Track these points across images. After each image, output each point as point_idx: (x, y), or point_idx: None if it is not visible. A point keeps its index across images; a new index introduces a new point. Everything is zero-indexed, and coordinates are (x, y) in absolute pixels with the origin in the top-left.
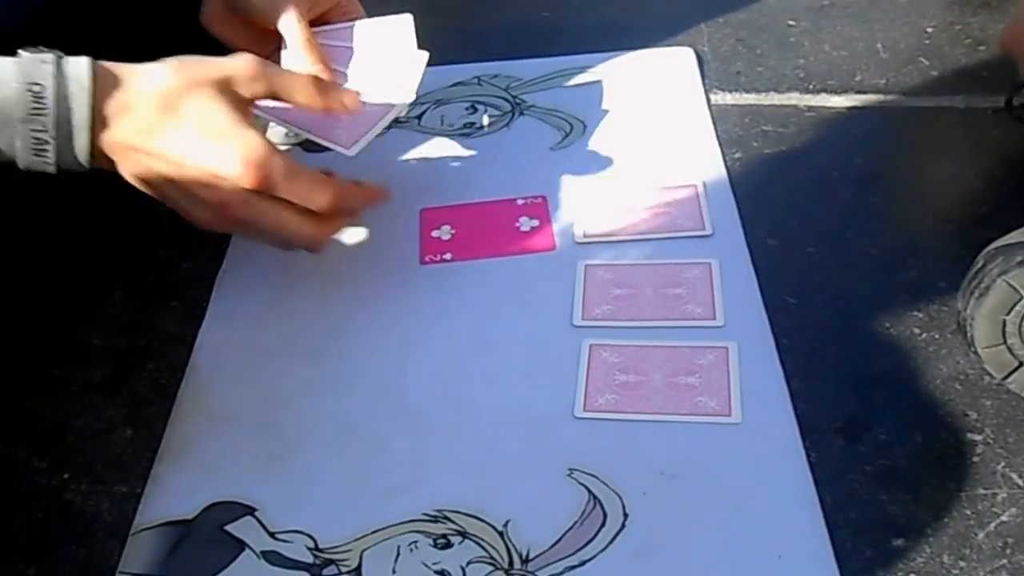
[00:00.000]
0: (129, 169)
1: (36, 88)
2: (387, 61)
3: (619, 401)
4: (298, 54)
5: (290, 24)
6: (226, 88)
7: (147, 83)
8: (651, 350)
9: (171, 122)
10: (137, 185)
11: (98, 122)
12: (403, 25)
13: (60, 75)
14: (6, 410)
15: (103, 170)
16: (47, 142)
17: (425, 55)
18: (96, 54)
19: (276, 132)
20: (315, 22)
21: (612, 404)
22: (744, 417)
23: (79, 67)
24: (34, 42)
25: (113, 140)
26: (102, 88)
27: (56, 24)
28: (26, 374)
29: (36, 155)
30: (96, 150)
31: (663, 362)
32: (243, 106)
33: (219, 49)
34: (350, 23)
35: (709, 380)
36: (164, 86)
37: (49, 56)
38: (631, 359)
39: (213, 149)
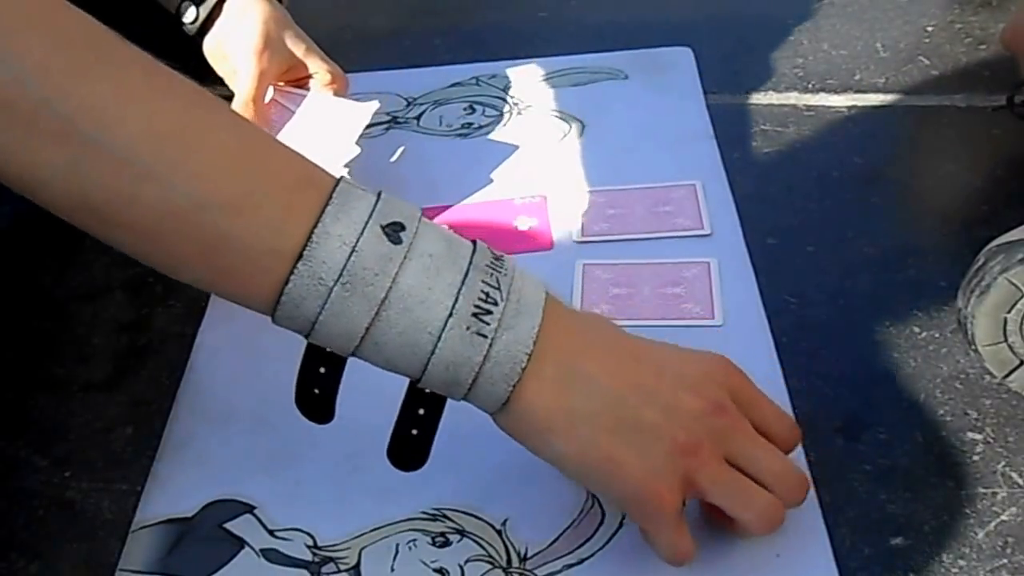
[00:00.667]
0: (584, 383)
1: (497, 253)
2: (325, 132)
3: None
4: (238, 107)
5: (244, 80)
6: None
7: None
8: None
9: (624, 332)
10: (568, 429)
11: (549, 312)
12: (361, 112)
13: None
14: (7, 409)
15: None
16: (496, 303)
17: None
18: None
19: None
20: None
21: None
22: None
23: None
24: None
25: (563, 339)
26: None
27: None
28: (27, 373)
29: (476, 315)
30: (545, 343)
31: None
32: None
33: None
34: (305, 93)
35: None
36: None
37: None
38: None
39: (691, 365)
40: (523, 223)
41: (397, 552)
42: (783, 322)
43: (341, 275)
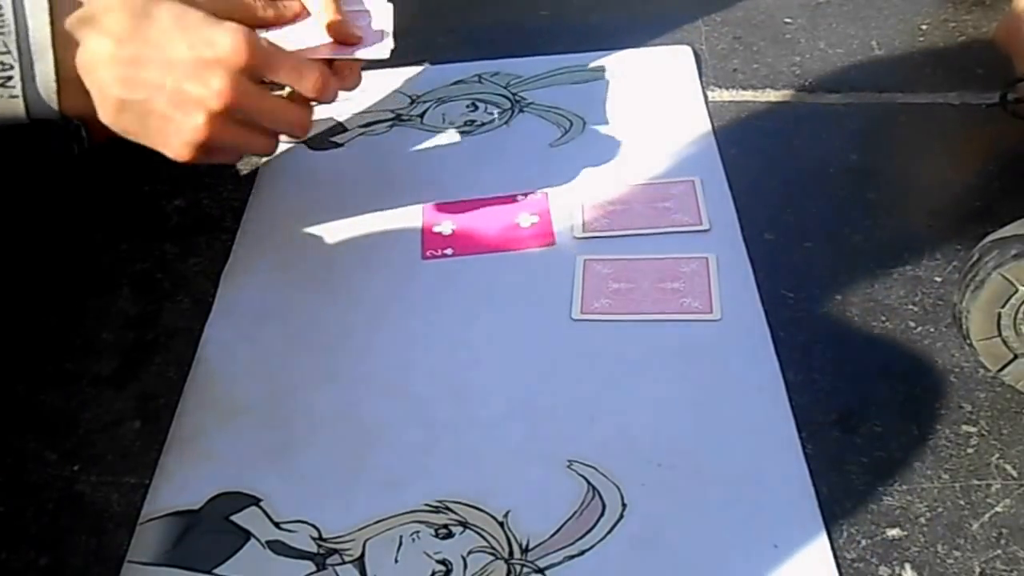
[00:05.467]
0: (105, 92)
1: None
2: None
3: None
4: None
5: None
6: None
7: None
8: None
9: (145, 25)
10: (113, 117)
11: (61, 39)
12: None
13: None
14: (17, 403)
15: (76, 122)
16: (10, 66)
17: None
18: None
19: None
20: None
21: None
22: (741, 409)
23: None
24: None
25: (83, 58)
26: (61, 3)
27: None
28: (36, 368)
29: (2, 85)
30: (65, 73)
31: None
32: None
33: None
34: None
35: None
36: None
37: None
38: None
39: (199, 35)
40: (525, 219)
41: (401, 544)
42: (780, 316)
43: None
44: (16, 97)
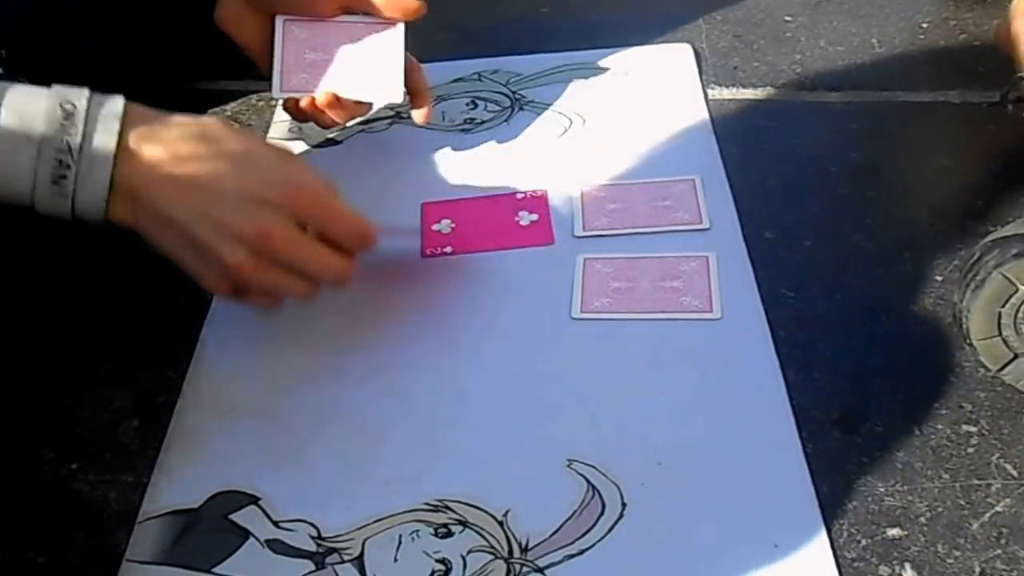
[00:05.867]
0: (153, 207)
1: (68, 107)
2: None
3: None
4: None
5: None
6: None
7: (183, 119)
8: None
9: (207, 148)
10: (158, 235)
11: (124, 151)
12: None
13: (93, 100)
14: (15, 402)
15: (118, 226)
16: (68, 166)
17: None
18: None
19: (282, 113)
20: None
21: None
22: (741, 408)
23: (113, 99)
24: (34, 36)
25: (139, 171)
26: (133, 118)
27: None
28: (35, 366)
29: (55, 182)
30: (119, 183)
31: None
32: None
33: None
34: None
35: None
36: (201, 121)
37: (84, 89)
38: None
39: (258, 173)
40: (525, 218)
41: (400, 543)
42: (780, 315)
43: None
44: (66, 198)
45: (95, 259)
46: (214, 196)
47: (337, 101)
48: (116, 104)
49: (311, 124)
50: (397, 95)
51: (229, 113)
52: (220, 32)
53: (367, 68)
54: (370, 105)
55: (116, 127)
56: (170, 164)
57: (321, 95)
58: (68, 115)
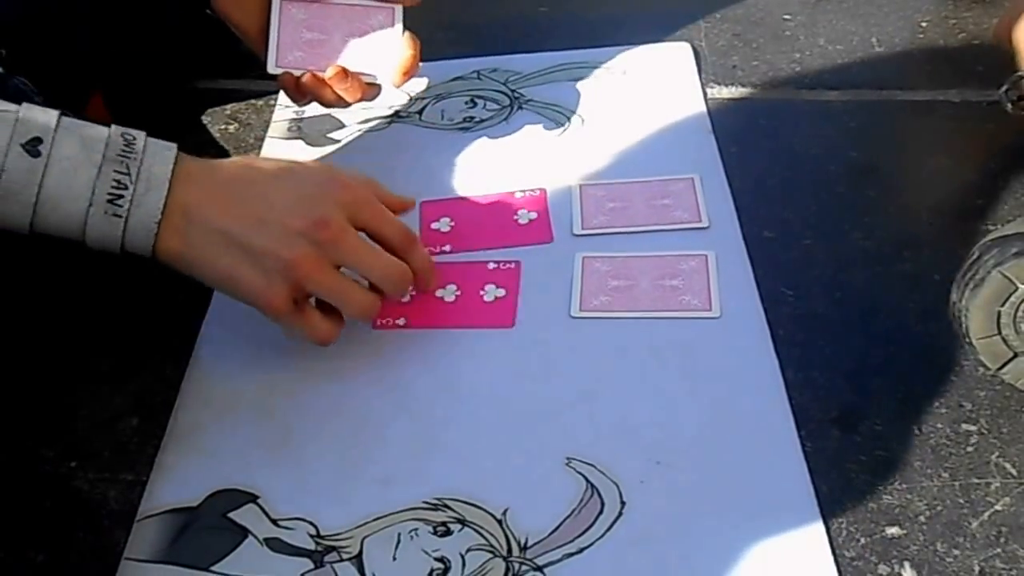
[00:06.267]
0: (206, 226)
1: (129, 136)
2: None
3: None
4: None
5: None
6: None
7: (233, 158)
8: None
9: (253, 170)
10: (211, 255)
11: (177, 178)
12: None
13: (151, 137)
14: (15, 400)
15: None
16: (126, 187)
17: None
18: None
19: (281, 112)
20: None
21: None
22: (740, 407)
23: (167, 144)
24: (34, 36)
25: (192, 194)
26: (183, 154)
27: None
28: (34, 365)
29: (111, 202)
30: (172, 207)
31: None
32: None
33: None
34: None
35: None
36: (251, 158)
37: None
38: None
39: (300, 178)
40: (523, 216)
41: (399, 541)
42: (780, 314)
43: None
44: (119, 218)
45: (95, 257)
46: (266, 204)
47: (345, 75)
48: (170, 144)
49: (311, 123)
50: (395, 74)
51: (229, 112)
52: (219, 30)
53: (365, 49)
54: (378, 90)
55: (172, 155)
56: (221, 186)
57: (330, 69)
58: (128, 143)
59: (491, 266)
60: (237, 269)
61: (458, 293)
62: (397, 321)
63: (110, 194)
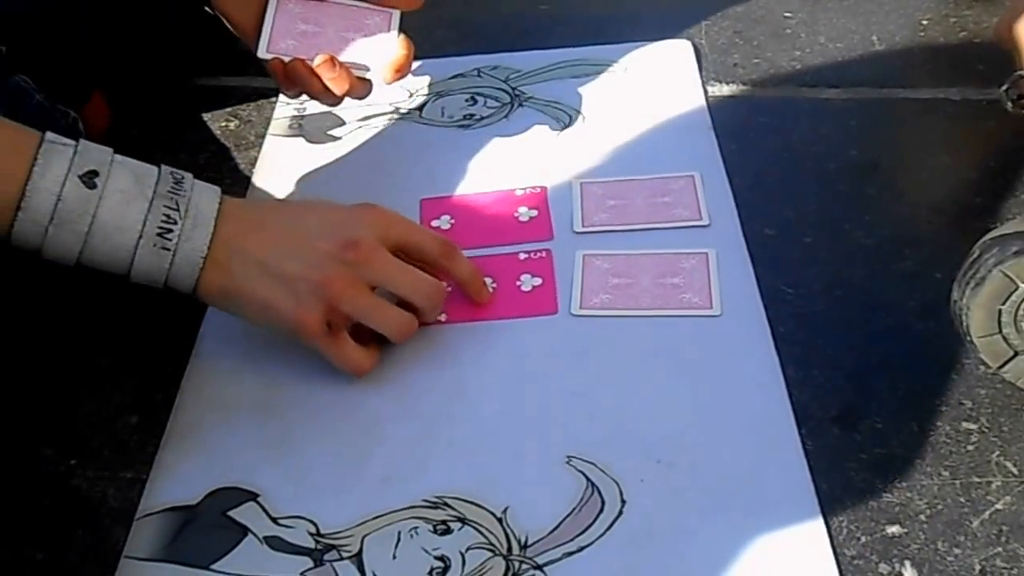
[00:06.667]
0: (246, 257)
1: (179, 175)
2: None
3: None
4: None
5: None
6: None
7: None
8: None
9: (290, 206)
10: (250, 286)
11: (223, 216)
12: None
13: (196, 178)
14: (14, 397)
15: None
16: (175, 222)
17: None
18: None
19: (282, 110)
20: None
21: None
22: (740, 405)
23: (212, 185)
24: (34, 34)
25: (233, 232)
26: (228, 196)
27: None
28: (33, 362)
29: (160, 235)
30: (217, 243)
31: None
32: None
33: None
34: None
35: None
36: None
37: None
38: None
39: (333, 207)
40: (524, 214)
41: (399, 540)
42: (780, 312)
43: (52, 218)
44: (168, 251)
45: None
46: (299, 232)
47: (334, 64)
48: (213, 187)
49: (311, 120)
50: (386, 71)
51: (230, 109)
52: (219, 28)
53: (357, 44)
54: (368, 87)
55: (217, 195)
56: (259, 220)
57: (318, 58)
58: (178, 181)
59: (522, 256)
60: (272, 295)
61: (495, 286)
62: (438, 316)
63: (160, 227)
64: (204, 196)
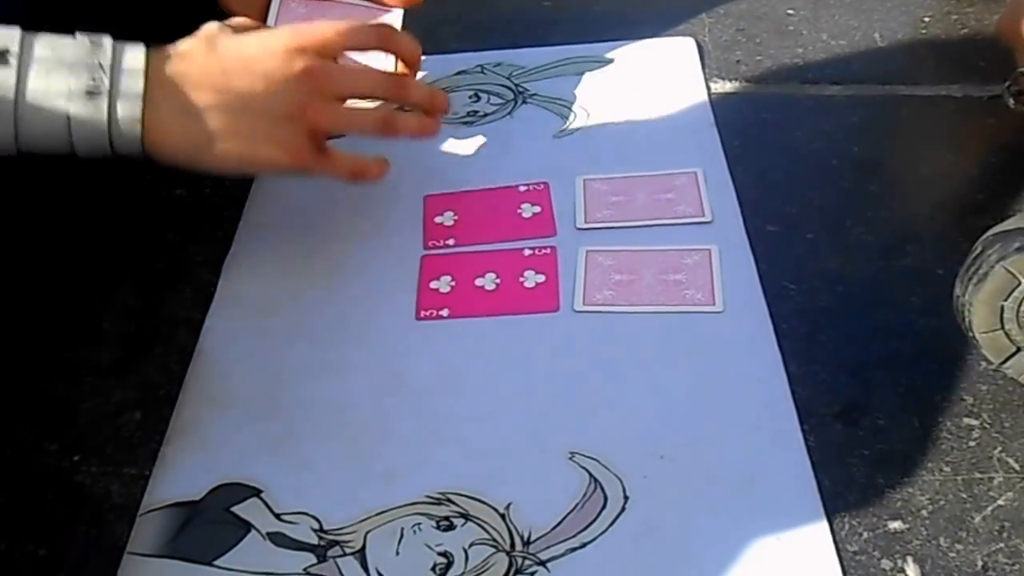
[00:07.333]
0: (201, 114)
1: (95, 39)
2: None
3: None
4: None
5: None
6: None
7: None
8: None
9: (232, 32)
10: (221, 141)
11: (154, 68)
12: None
13: (117, 39)
14: (17, 393)
15: (160, 160)
16: (102, 81)
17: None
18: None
19: None
20: None
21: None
22: (743, 401)
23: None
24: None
25: (171, 69)
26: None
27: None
28: (36, 357)
29: (90, 95)
30: (153, 82)
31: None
32: None
33: None
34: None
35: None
36: (201, 31)
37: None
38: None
39: (265, 37)
40: (527, 210)
41: (402, 536)
42: (783, 308)
43: None
44: (102, 111)
45: (97, 251)
46: (246, 64)
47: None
48: (137, 44)
49: None
50: (387, 66)
51: None
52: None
53: None
54: None
55: (141, 50)
56: (200, 51)
57: None
58: (94, 42)
59: (527, 252)
60: (241, 146)
61: (498, 281)
62: (441, 312)
63: (88, 89)
64: (128, 52)
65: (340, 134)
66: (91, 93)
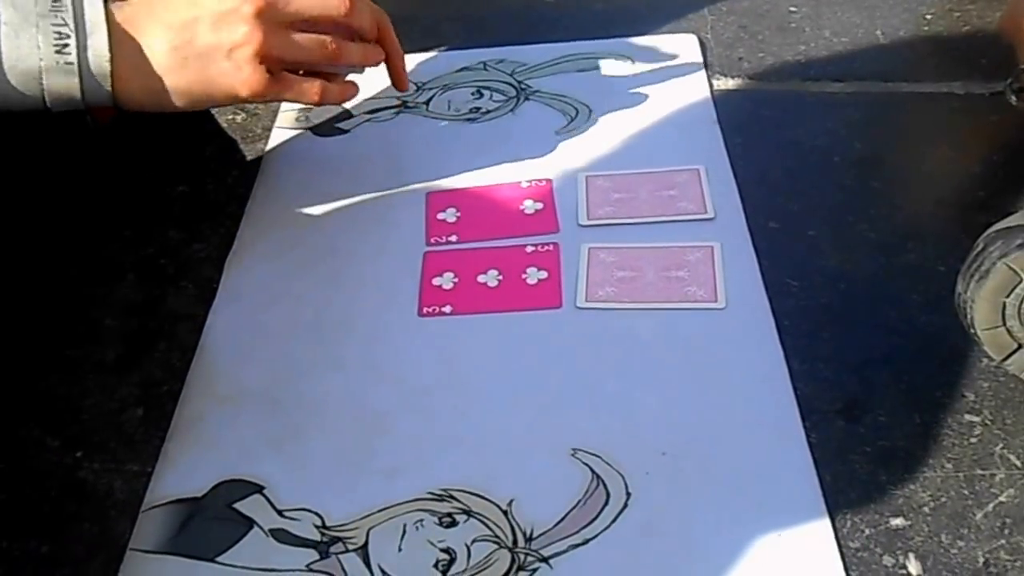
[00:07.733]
0: (155, 48)
1: None
2: None
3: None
4: None
5: None
6: None
7: None
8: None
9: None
10: (176, 76)
11: (113, 18)
12: None
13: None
14: (20, 390)
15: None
16: (67, 36)
17: None
18: None
19: (286, 117)
20: None
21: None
22: (745, 398)
23: None
24: None
25: (124, 16)
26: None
27: None
28: (39, 354)
29: (58, 52)
30: (117, 41)
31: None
32: None
33: None
34: None
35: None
36: None
37: None
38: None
39: None
40: (529, 206)
41: (404, 532)
42: (785, 305)
43: None
44: (72, 65)
45: (99, 247)
46: (193, 16)
47: None
48: None
49: (319, 113)
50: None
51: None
52: None
53: None
54: (355, 90)
55: (99, 1)
56: (152, 12)
57: None
58: (56, 1)
59: (529, 249)
60: (203, 75)
61: (500, 278)
62: (443, 309)
63: (55, 45)
64: (87, 4)
65: (293, 61)
66: (59, 51)
